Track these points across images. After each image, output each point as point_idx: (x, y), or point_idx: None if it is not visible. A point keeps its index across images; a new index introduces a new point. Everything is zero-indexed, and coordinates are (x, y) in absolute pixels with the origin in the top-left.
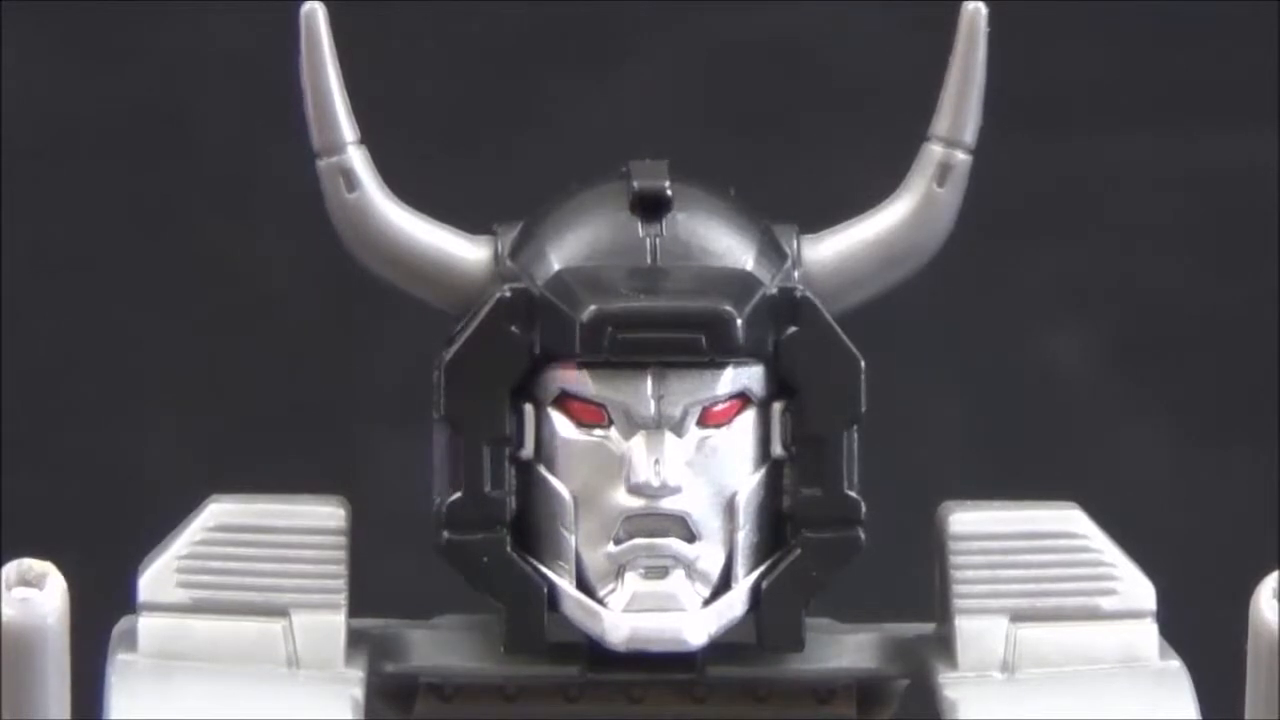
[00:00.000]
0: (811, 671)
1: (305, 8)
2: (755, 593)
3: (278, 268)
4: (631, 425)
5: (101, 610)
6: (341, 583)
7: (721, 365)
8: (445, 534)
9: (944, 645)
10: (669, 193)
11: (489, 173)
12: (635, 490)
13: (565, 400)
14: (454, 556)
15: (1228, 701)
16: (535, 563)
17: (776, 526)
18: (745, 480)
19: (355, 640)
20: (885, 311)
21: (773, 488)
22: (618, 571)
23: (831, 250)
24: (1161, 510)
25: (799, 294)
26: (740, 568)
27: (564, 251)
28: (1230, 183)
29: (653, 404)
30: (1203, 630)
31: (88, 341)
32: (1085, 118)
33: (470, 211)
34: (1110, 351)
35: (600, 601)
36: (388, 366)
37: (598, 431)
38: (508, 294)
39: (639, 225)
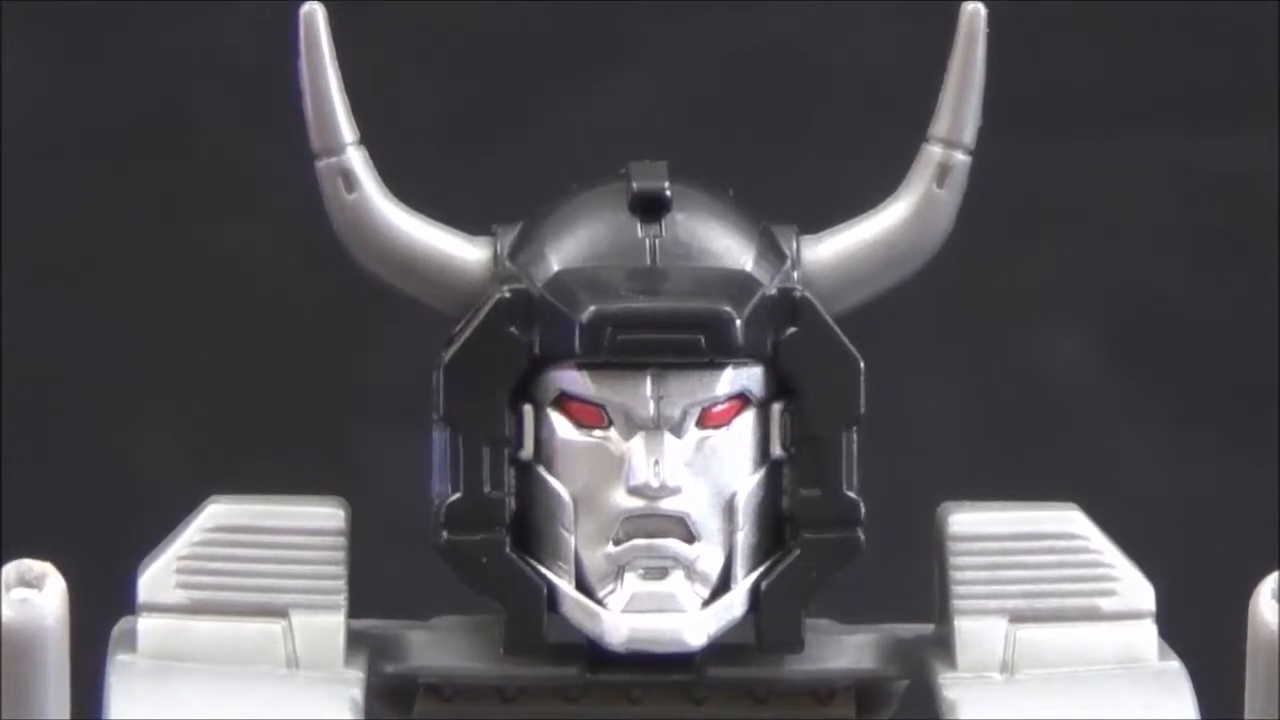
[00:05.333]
0: (811, 672)
1: (305, 8)
2: (755, 593)
3: (278, 268)
4: (631, 426)
5: (101, 610)
6: (341, 583)
7: (721, 366)
8: (444, 534)
9: (943, 646)
10: (668, 193)
11: (489, 173)
12: (635, 491)
13: (564, 401)
14: (453, 557)
15: (1228, 701)
16: (534, 563)
17: (776, 527)
18: (745, 481)
19: (355, 641)
20: (885, 311)
21: (772, 488)
22: (617, 572)
23: (831, 251)
24: (1161, 511)
25: (798, 294)
26: (740, 568)
27: (563, 252)
28: (1230, 183)
29: (652, 405)
30: (1203, 630)
31: (88, 341)
32: (1085, 118)
33: (470, 212)
34: (1110, 352)
35: (600, 602)
36: (387, 367)
37: (597, 432)
38: (507, 295)
39: (638, 226)
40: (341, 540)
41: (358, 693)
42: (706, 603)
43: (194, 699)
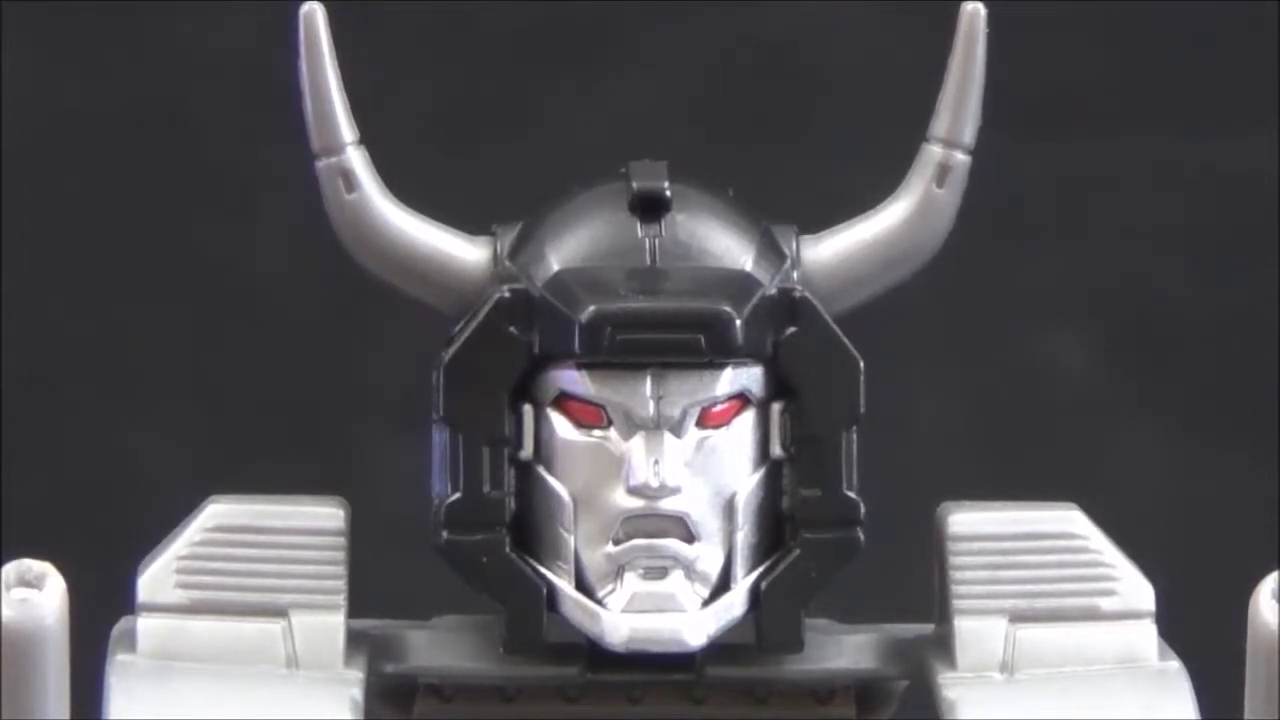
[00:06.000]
0: (811, 672)
1: (305, 8)
2: (755, 593)
3: (278, 268)
4: (631, 426)
5: (101, 610)
6: (341, 583)
7: (721, 366)
8: (444, 534)
9: (943, 646)
10: (668, 193)
11: (488, 173)
12: (634, 491)
13: (564, 401)
14: (453, 557)
15: (1228, 701)
16: (534, 563)
17: (776, 527)
18: (744, 481)
19: (354, 641)
20: (885, 312)
21: (772, 488)
22: (617, 572)
23: (831, 251)
24: (1161, 510)
25: (798, 294)
26: (739, 568)
27: (563, 252)
28: (1230, 183)
29: (652, 405)
30: (1203, 630)
31: (88, 341)
32: (1085, 118)
33: (470, 211)
34: (1110, 352)
35: (599, 602)
36: (387, 366)
37: (597, 432)
38: (507, 294)
39: (638, 226)
40: (341, 540)
41: (358, 693)
42: (706, 602)
43: (194, 699)
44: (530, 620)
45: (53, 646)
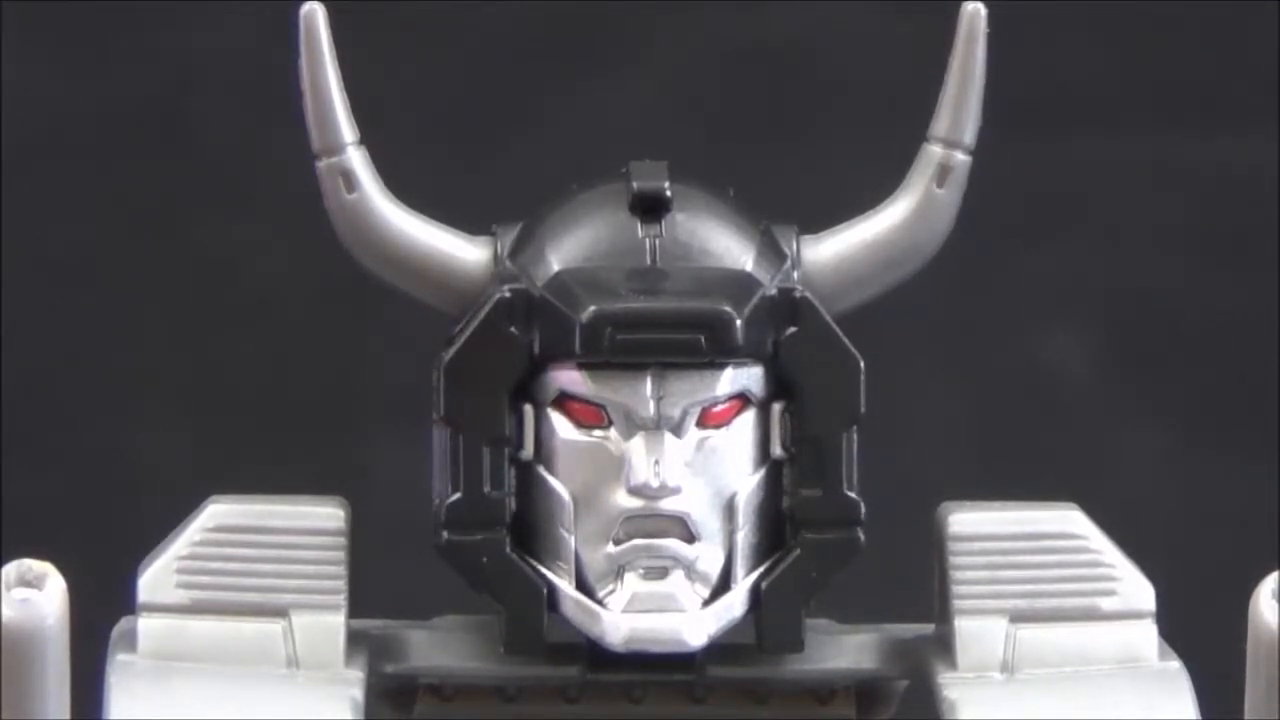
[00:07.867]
0: (811, 672)
1: (305, 8)
2: (755, 593)
3: (278, 267)
4: (631, 426)
5: (101, 610)
6: (341, 583)
7: (721, 366)
8: (445, 534)
9: (944, 646)
10: (668, 193)
11: (489, 173)
12: (635, 491)
13: (564, 401)
14: (453, 557)
15: (1228, 702)
16: (535, 563)
17: (776, 527)
18: (745, 481)
19: (355, 641)
20: (885, 312)
21: (772, 488)
22: (617, 572)
23: (831, 251)
24: (1161, 510)
25: (798, 294)
26: (740, 568)
27: (563, 252)
28: (1230, 183)
29: (652, 405)
30: (1203, 630)
31: (88, 341)
32: (1085, 118)
33: (470, 211)
34: (1110, 352)
35: (600, 602)
36: (387, 367)
37: (597, 432)
38: (507, 294)
39: (638, 226)
40: (341, 540)
41: (358, 693)
42: (707, 602)
43: (194, 699)
44: (530, 620)
45: (53, 646)
